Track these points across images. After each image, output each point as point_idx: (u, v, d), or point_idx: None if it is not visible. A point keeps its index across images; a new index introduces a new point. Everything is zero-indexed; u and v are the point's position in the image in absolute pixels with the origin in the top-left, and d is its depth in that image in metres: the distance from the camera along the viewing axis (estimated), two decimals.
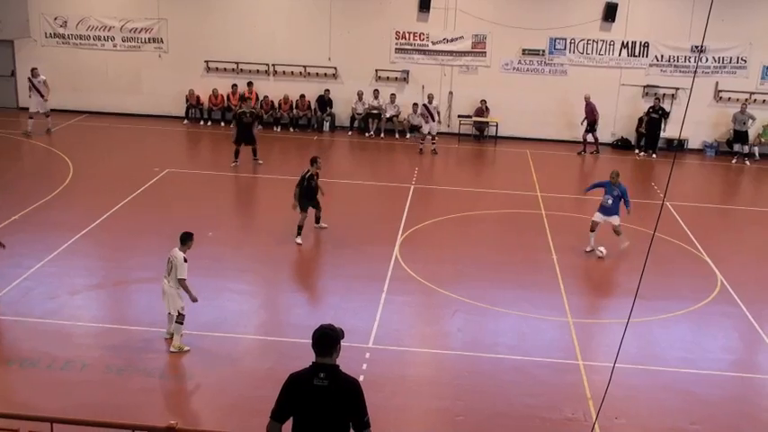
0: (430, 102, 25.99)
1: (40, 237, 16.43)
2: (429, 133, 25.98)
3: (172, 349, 12.38)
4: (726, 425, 11.32)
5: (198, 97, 28.28)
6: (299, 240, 17.00)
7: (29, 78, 25.67)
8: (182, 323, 12.38)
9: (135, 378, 11.66)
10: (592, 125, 26.42)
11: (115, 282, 14.97)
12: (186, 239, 12.46)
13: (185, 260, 12.23)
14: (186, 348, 12.40)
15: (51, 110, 26.23)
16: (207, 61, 28.27)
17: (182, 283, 12.21)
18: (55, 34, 28.68)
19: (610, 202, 16.99)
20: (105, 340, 12.84)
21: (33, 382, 11.55)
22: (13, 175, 21.62)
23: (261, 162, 23.05)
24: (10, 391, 11.54)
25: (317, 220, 17.86)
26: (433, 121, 25.91)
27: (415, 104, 27.26)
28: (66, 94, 28.56)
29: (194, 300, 12.32)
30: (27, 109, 25.81)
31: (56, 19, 28.52)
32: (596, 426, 10.78)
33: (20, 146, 24.71)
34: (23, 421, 7.33)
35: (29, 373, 11.77)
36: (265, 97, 28.12)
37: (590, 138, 26.58)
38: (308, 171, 17.25)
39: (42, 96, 25.55)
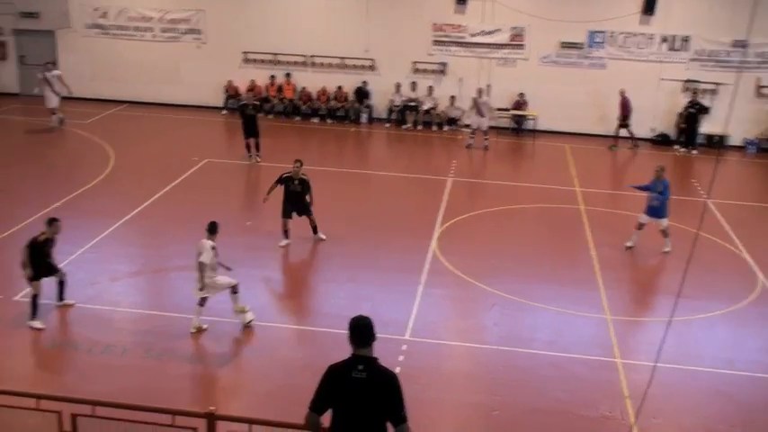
0: (479, 96, 25.68)
1: (82, 223, 16.62)
2: (478, 128, 25.51)
3: (191, 330, 12.64)
4: (765, 430, 11.17)
5: (236, 88, 28.42)
6: (282, 243, 16.34)
7: (43, 73, 25.25)
8: (203, 306, 12.68)
9: (173, 364, 11.79)
10: (624, 119, 26.14)
11: (154, 269, 15.12)
12: (214, 229, 12.77)
13: (213, 248, 12.57)
14: (205, 327, 12.76)
15: (92, 99, 26.48)
16: (245, 52, 28.39)
17: (200, 266, 12.42)
18: (95, 25, 28.94)
19: (656, 202, 16.67)
20: (144, 326, 13.01)
21: (75, 366, 11.75)
22: (55, 163, 21.91)
23: (259, 159, 22.24)
24: (52, 373, 11.73)
25: (314, 230, 16.68)
26: (482, 116, 25.55)
27: (453, 97, 27.17)
28: (106, 84, 28.88)
29: (202, 287, 12.58)
30: (67, 98, 26.02)
31: (95, 9, 28.78)
32: (635, 425, 10.70)
33: (61, 135, 25.00)
34: (66, 403, 7.45)
35: (70, 356, 11.97)
36: (303, 89, 28.19)
37: (623, 132, 26.31)
38: (288, 172, 16.52)
39: (55, 92, 25.04)
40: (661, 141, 27.31)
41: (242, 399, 11.24)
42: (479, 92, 25.72)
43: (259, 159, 22.19)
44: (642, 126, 26.94)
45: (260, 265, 15.37)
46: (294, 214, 16.32)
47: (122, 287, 14.48)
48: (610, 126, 26.90)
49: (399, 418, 6.78)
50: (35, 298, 12.73)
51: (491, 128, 25.90)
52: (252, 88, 25.51)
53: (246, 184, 20.46)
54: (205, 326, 12.79)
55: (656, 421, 10.93)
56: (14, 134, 23.98)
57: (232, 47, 28.35)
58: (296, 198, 16.24)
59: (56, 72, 25.12)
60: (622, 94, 26.06)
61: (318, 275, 15.63)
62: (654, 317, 14.24)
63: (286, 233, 16.31)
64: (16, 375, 11.46)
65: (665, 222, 16.73)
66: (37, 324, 12.65)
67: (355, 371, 6.75)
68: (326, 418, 6.90)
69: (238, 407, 10.83)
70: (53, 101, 25.06)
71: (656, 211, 16.76)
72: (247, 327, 12.88)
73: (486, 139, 25.40)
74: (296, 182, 16.13)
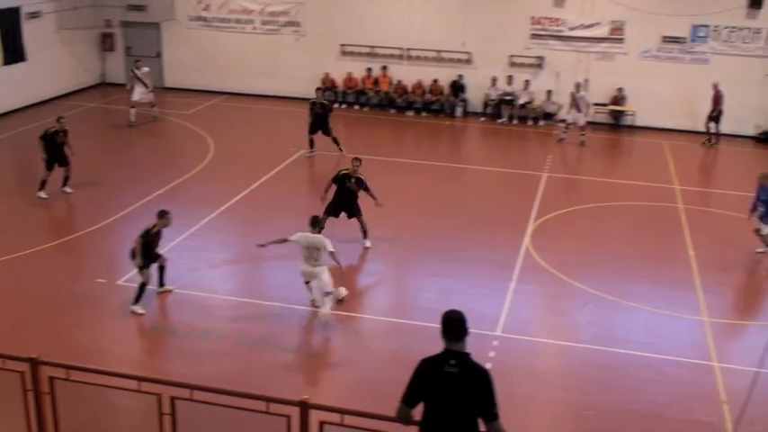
0: (577, 90, 25.26)
1: (182, 211, 17.05)
2: (574, 123, 25.07)
3: (324, 314, 12.85)
4: None
5: (333, 80, 28.71)
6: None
7: (132, 70, 25.65)
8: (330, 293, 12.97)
9: (268, 352, 12.04)
10: (716, 115, 25.33)
11: (250, 257, 15.43)
12: (316, 223, 13.20)
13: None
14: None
15: (193, 90, 27.09)
16: (342, 45, 28.64)
17: (333, 255, 12.80)
18: (198, 17, 29.63)
19: (763, 209, 16.00)
20: (240, 313, 13.33)
21: (173, 350, 12.13)
22: (157, 152, 22.61)
23: (344, 153, 21.97)
24: (153, 356, 12.13)
25: (363, 234, 16.00)
26: (579, 111, 25.08)
27: (549, 91, 26.86)
28: (207, 75, 29.58)
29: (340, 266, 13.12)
30: (172, 89, 26.75)
31: (199, 2, 29.45)
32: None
33: (163, 124, 25.73)
34: (165, 386, 7.67)
35: (170, 340, 12.36)
36: (399, 81, 28.28)
37: (712, 128, 25.52)
38: (345, 170, 16.07)
39: (146, 86, 25.22)
40: (765, 139, 26.38)
41: (334, 389, 11.41)
42: (577, 86, 25.33)
43: (344, 154, 22.02)
44: (747, 123, 26.10)
45: (353, 257, 15.53)
46: (344, 215, 15.92)
47: (220, 274, 14.86)
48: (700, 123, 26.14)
49: (491, 414, 6.72)
50: (143, 286, 13.17)
51: (588, 123, 25.47)
52: (324, 88, 24.96)
53: None
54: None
55: (755, 428, 10.60)
56: (119, 123, 24.77)
57: (330, 39, 28.64)
58: (350, 198, 15.81)
59: (145, 69, 25.44)
60: (716, 87, 25.26)
61: (410, 269, 15.68)
62: (755, 320, 13.82)
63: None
64: (119, 357, 11.91)
65: (766, 230, 16.12)
66: (138, 309, 13.08)
67: (447, 365, 6.71)
68: (419, 412, 6.94)
69: (331, 397, 10.99)
70: (140, 95, 25.07)
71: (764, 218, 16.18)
72: (340, 301, 13.27)
73: (582, 134, 24.97)
74: (353, 180, 15.79)
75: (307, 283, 13.32)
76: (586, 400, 11.18)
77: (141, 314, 13.04)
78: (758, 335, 12.98)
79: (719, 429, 10.56)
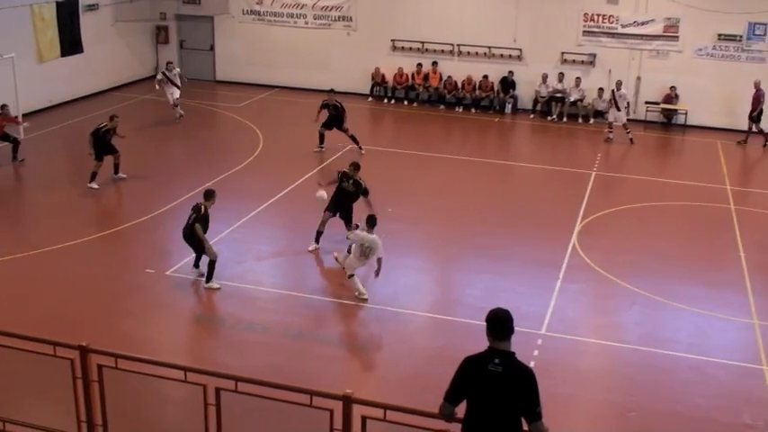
0: (618, 88, 25.04)
1: (231, 204, 17.28)
2: (615, 122, 24.84)
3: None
4: None
5: (383, 75, 28.77)
6: (310, 247, 15.63)
7: (163, 72, 25.21)
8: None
9: (311, 345, 12.16)
10: (757, 114, 24.83)
11: (296, 251, 15.57)
12: (374, 223, 13.40)
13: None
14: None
15: (245, 84, 27.24)
16: (393, 40, 28.67)
17: (380, 262, 13.23)
18: (251, 11, 29.89)
19: None
20: (285, 306, 13.49)
21: (219, 341, 12.31)
22: (208, 144, 22.87)
23: (363, 152, 21.94)
24: (198, 347, 12.33)
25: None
26: (618, 110, 24.82)
27: (601, 89, 26.58)
28: (259, 69, 29.82)
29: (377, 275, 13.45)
30: (223, 82, 26.93)
31: None
32: None
33: (215, 117, 26.05)
34: (211, 377, 7.78)
35: (216, 331, 12.55)
36: (449, 77, 28.23)
37: (754, 127, 25.02)
38: (345, 169, 15.87)
39: (178, 87, 24.88)
40: None
41: (378, 383, 11.47)
42: (618, 84, 25.08)
43: (362, 152, 21.86)
44: None
45: (398, 251, 15.56)
46: (338, 215, 15.70)
47: (266, 267, 15.03)
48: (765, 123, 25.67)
49: (535, 414, 6.67)
50: (213, 263, 13.64)
51: (629, 120, 25.15)
52: (331, 90, 23.35)
53: (389, 171, 20.68)
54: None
55: None
56: (170, 116, 25.09)
57: (381, 34, 28.69)
58: (346, 199, 15.53)
59: (176, 71, 25.15)
60: (757, 86, 24.75)
61: (455, 265, 15.67)
62: None
63: (318, 236, 15.56)
64: (166, 347, 12.13)
65: None
66: (214, 285, 13.62)
67: (492, 364, 6.66)
68: (462, 410, 6.96)
69: (374, 391, 11.03)
70: (175, 94, 24.81)
71: None
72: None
73: (627, 132, 24.67)
74: (350, 181, 15.49)
75: (350, 277, 13.57)
76: (630, 401, 11.10)
77: (217, 289, 13.68)
78: None
79: None
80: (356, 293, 13.51)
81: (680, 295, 14.24)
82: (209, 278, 13.68)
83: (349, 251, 14.09)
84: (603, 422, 10.86)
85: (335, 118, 22.12)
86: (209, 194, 13.86)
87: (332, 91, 22.74)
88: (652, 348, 12.52)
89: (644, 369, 11.98)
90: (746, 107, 25.22)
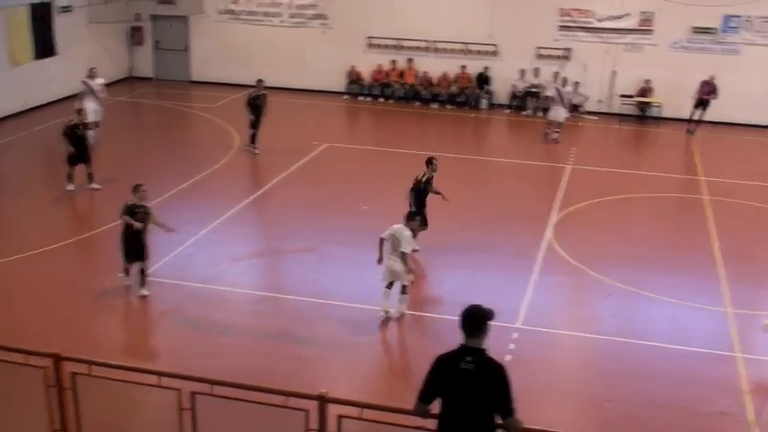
0: (563, 85, 24.66)
1: (205, 205, 17.24)
2: (557, 118, 24.04)
3: (395, 314, 12.82)
4: None
5: (359, 73, 28.75)
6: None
7: (84, 81, 21.66)
8: (406, 293, 12.82)
9: (287, 346, 12.11)
10: (703, 102, 25.13)
11: (273, 251, 15.55)
12: (412, 217, 12.96)
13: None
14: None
15: (220, 84, 27.10)
16: (369, 37, 28.65)
17: (404, 256, 12.51)
18: (226, 10, 29.78)
19: None
20: (261, 308, 13.44)
21: (194, 344, 12.22)
22: (183, 145, 22.77)
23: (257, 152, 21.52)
24: (172, 350, 12.26)
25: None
26: (562, 107, 24.10)
27: (577, 83, 26.65)
28: (234, 69, 29.67)
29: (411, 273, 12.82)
30: (198, 82, 26.72)
31: None
32: (755, 422, 10.42)
33: (189, 118, 25.94)
34: (185, 381, 7.77)
35: (190, 335, 12.46)
36: (424, 73, 28.25)
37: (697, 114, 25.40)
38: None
39: (99, 101, 21.56)
40: None
41: (352, 382, 11.44)
42: (563, 81, 24.88)
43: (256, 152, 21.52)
44: None
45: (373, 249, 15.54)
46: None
47: (241, 268, 14.95)
48: (744, 114, 25.86)
49: (508, 410, 6.72)
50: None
51: (610, 114, 25.18)
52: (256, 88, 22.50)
53: (364, 169, 20.71)
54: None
55: None
56: (147, 117, 24.98)
57: (356, 32, 28.65)
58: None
59: (99, 81, 21.78)
60: (712, 79, 25.02)
61: (431, 261, 15.64)
62: None
63: None
64: (140, 353, 12.08)
65: None
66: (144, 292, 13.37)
67: (463, 362, 6.71)
68: (437, 406, 6.98)
69: (348, 390, 11.02)
70: (93, 114, 20.66)
71: None
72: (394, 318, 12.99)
73: (556, 131, 23.91)
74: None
75: (388, 286, 12.92)
76: (607, 392, 11.16)
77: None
78: None
79: (740, 420, 10.53)
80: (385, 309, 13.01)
81: (655, 286, 14.33)
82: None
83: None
84: (581, 414, 10.91)
85: (261, 110, 21.63)
86: (134, 188, 13.46)
87: (260, 81, 22.22)
88: (628, 339, 12.58)
89: (620, 360, 12.04)
90: (722, 99, 25.39)
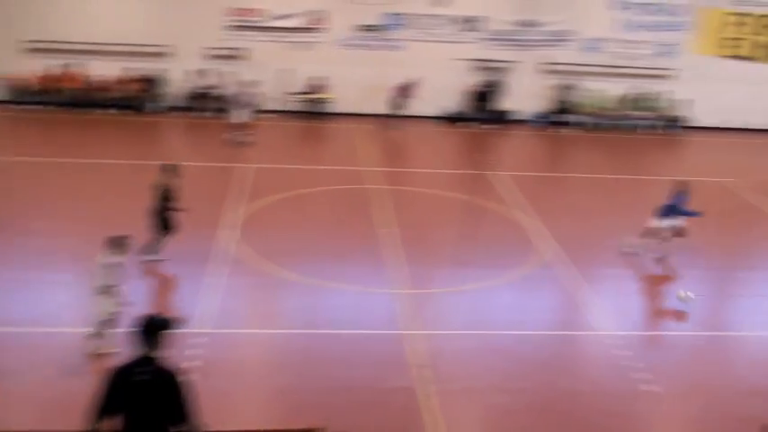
0: (241, 85, 24.59)
1: None
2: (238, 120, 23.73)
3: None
4: (547, 381, 11.82)
5: (20, 79, 26.70)
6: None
7: None
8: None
9: None
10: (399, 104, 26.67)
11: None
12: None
13: None
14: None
15: None
16: (29, 41, 26.66)
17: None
18: None
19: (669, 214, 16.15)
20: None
21: None
22: None
23: None
24: None
25: None
26: (242, 108, 23.88)
27: (252, 82, 26.71)
28: None
29: None
30: None
31: None
32: (429, 392, 11.08)
33: None
34: None
35: None
36: (88, 77, 26.82)
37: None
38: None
39: None
40: (454, 119, 27.97)
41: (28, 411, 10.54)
42: (242, 83, 24.78)
43: None
44: (439, 104, 27.68)
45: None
46: None
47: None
48: (426, 107, 27.46)
49: (186, 416, 6.65)
50: None
51: (284, 112, 25.55)
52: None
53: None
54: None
55: (452, 386, 11.32)
56: None
57: (8, 35, 26.54)
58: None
59: None
60: (407, 81, 26.54)
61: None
62: (444, 287, 14.69)
63: None
64: None
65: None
66: None
67: (138, 373, 6.57)
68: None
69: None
70: None
71: None
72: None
73: (245, 133, 23.60)
74: None
75: None
76: (292, 381, 11.32)
77: None
78: (450, 300, 14.22)
79: (411, 392, 11.14)
80: None
81: (336, 276, 14.78)
82: None
83: None
84: (270, 405, 11.02)
85: None
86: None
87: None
88: (312, 330, 12.87)
89: (303, 350, 12.22)
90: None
